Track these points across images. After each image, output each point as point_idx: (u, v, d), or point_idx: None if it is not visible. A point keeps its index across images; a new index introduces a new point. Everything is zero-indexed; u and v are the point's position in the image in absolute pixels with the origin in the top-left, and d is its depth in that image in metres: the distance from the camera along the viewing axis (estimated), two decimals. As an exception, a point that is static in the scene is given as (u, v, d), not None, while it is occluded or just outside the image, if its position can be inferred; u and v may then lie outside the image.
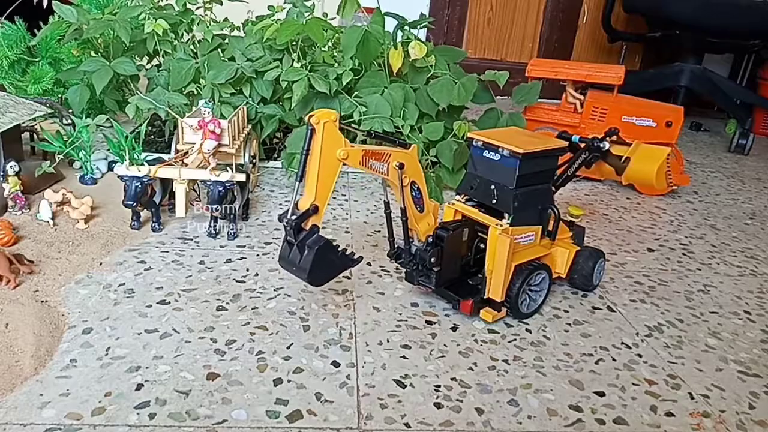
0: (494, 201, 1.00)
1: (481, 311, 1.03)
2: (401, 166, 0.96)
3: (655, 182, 1.19)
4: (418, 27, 1.69)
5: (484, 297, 1.02)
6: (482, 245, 1.04)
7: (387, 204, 1.00)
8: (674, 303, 1.18)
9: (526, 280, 1.02)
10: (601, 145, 1.19)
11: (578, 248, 1.14)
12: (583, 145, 1.20)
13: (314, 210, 0.88)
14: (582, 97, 1.87)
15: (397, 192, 0.98)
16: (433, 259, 1.00)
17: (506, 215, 0.99)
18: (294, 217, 0.87)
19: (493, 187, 1.00)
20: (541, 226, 1.05)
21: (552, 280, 1.09)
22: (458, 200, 1.07)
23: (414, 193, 1.00)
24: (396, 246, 1.04)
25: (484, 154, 1.01)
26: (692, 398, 0.89)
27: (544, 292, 1.08)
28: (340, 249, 0.92)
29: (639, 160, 1.18)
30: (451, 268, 1.04)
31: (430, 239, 1.01)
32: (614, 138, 1.21)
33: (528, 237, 1.03)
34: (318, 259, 0.88)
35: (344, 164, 0.90)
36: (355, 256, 0.95)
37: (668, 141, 1.79)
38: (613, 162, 1.20)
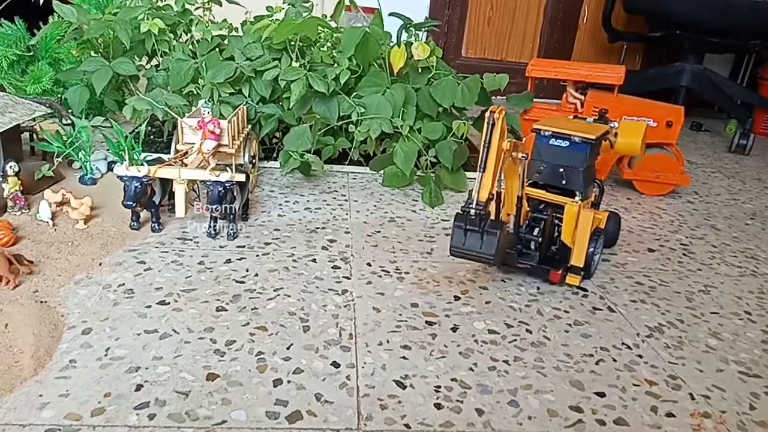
0: (564, 182, 1.14)
1: (567, 277, 1.16)
2: (525, 158, 1.07)
3: (639, 151, 1.34)
4: (423, 29, 1.69)
5: (568, 265, 1.16)
6: (556, 221, 1.19)
7: (498, 195, 1.09)
8: (675, 303, 1.17)
9: (597, 245, 1.18)
10: (612, 126, 1.30)
11: (609, 212, 1.30)
12: None
13: (491, 198, 0.97)
14: (582, 97, 1.87)
15: (514, 181, 1.10)
16: (539, 239, 1.14)
17: (577, 193, 1.13)
18: (480, 207, 0.95)
19: (561, 170, 1.14)
20: (591, 199, 1.22)
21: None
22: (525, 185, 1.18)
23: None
24: None
25: (550, 142, 1.15)
26: (693, 399, 0.89)
27: (600, 253, 1.24)
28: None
29: (624, 134, 1.31)
30: (547, 244, 1.18)
31: (527, 222, 1.15)
32: (606, 117, 1.35)
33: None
34: (500, 242, 0.97)
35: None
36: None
37: (668, 141, 1.79)
38: (610, 138, 1.33)
